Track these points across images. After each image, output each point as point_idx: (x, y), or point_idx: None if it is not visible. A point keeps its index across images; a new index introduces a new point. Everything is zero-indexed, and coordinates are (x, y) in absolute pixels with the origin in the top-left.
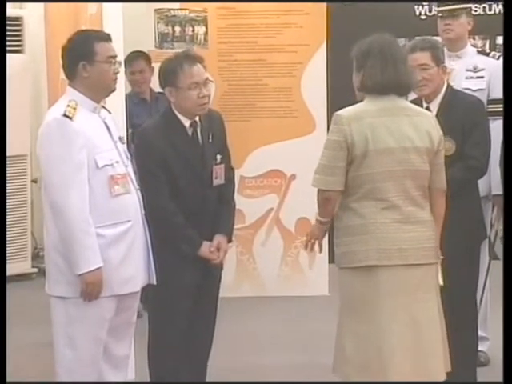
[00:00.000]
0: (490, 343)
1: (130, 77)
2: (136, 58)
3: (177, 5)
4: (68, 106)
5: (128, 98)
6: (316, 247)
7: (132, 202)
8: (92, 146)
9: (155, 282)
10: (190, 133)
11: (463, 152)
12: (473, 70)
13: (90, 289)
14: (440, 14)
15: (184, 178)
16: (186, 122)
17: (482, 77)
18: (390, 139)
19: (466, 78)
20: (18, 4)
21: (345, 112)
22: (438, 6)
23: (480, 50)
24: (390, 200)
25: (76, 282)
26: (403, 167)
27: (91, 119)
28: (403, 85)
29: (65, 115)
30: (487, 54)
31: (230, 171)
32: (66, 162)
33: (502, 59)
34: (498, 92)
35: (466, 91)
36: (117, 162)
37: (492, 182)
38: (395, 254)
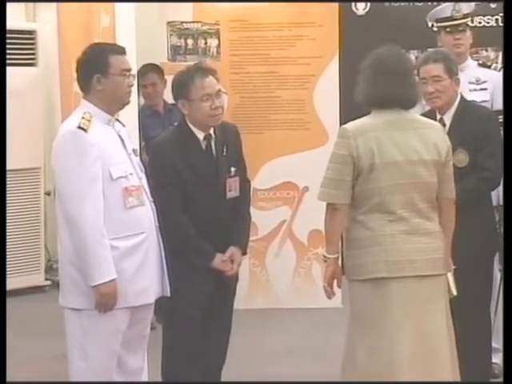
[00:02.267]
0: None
1: (142, 90)
2: (148, 71)
3: (189, 17)
4: (82, 118)
5: (141, 110)
6: (335, 287)
7: (146, 214)
8: (106, 158)
9: (169, 294)
10: (203, 146)
11: (477, 164)
12: (475, 82)
13: (105, 300)
14: (448, 29)
15: (197, 190)
16: (200, 135)
17: (485, 89)
18: (397, 152)
19: (470, 90)
20: (31, 17)
21: (350, 126)
22: (438, 22)
23: (481, 62)
24: (397, 213)
25: (90, 293)
26: (410, 180)
27: (105, 131)
28: (407, 99)
29: (79, 127)
30: (489, 67)
31: (245, 184)
32: (80, 174)
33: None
34: (501, 103)
35: None
36: (131, 174)
37: (500, 192)
38: (404, 265)
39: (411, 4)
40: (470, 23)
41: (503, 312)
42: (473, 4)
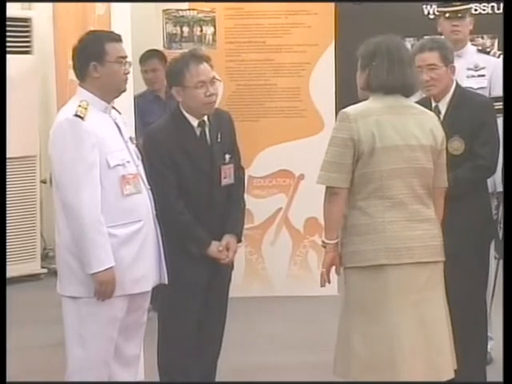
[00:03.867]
0: (494, 342)
1: (143, 75)
2: (149, 57)
3: (185, 5)
4: (79, 106)
5: (143, 95)
6: (332, 274)
7: (143, 201)
8: (103, 146)
9: (166, 282)
10: (198, 132)
11: (472, 151)
12: (474, 68)
13: (104, 288)
14: (447, 15)
15: (192, 177)
16: (194, 122)
17: (483, 75)
18: (397, 137)
19: (467, 76)
20: (26, 5)
21: (351, 110)
22: (439, 7)
23: (480, 48)
24: (397, 198)
25: (88, 281)
26: (409, 165)
27: (102, 119)
28: (408, 86)
29: (76, 115)
30: (487, 53)
31: (239, 171)
32: (78, 162)
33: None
34: (499, 90)
35: None
36: (128, 161)
37: (496, 179)
38: (404, 252)
39: None
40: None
41: (503, 309)
42: None
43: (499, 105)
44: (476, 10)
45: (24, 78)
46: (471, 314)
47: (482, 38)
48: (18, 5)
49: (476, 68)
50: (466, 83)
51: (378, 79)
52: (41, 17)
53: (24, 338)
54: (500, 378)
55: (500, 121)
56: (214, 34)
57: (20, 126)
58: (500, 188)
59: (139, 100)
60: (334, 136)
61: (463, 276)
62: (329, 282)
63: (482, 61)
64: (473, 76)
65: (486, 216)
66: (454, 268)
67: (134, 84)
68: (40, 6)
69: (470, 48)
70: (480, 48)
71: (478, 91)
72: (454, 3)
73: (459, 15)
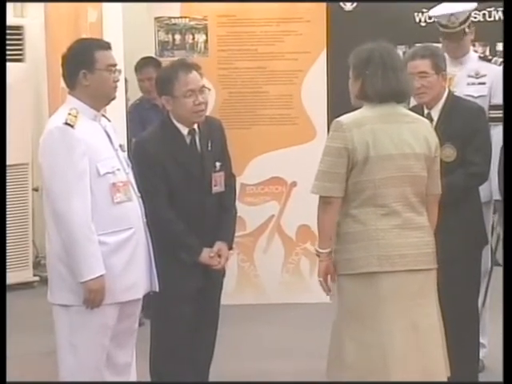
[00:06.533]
0: (487, 350)
1: (139, 83)
2: (144, 66)
3: (177, 13)
4: (69, 114)
5: (140, 103)
6: (329, 283)
7: (133, 209)
8: (93, 154)
9: (157, 289)
10: (188, 141)
11: (464, 158)
12: (475, 76)
13: (93, 296)
14: (445, 35)
15: (183, 185)
16: (184, 130)
17: (483, 83)
18: (391, 145)
19: (468, 84)
20: (19, 13)
21: (345, 119)
22: (438, 24)
23: (482, 55)
24: (390, 206)
25: (78, 289)
26: (403, 173)
27: (92, 127)
28: (402, 93)
29: (66, 123)
30: (489, 60)
31: (230, 178)
32: (68, 170)
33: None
34: (499, 98)
35: (468, 98)
36: (118, 169)
37: (493, 187)
38: (396, 259)
39: None
40: (467, 29)
41: (503, 312)
42: (469, 8)
43: (499, 113)
44: None
45: (16, 85)
46: (462, 320)
47: (474, 45)
48: (10, 12)
49: (477, 75)
50: (466, 91)
51: (373, 88)
52: (33, 24)
53: (16, 345)
54: None
55: (500, 129)
56: (206, 41)
57: (12, 134)
58: (496, 196)
59: (138, 108)
60: (328, 145)
61: (454, 282)
62: (329, 291)
63: (483, 68)
64: (473, 83)
65: (477, 223)
66: (445, 274)
67: (129, 92)
68: (32, 14)
69: (472, 55)
70: (482, 55)
71: (478, 99)
72: (450, 26)
73: (454, 37)
